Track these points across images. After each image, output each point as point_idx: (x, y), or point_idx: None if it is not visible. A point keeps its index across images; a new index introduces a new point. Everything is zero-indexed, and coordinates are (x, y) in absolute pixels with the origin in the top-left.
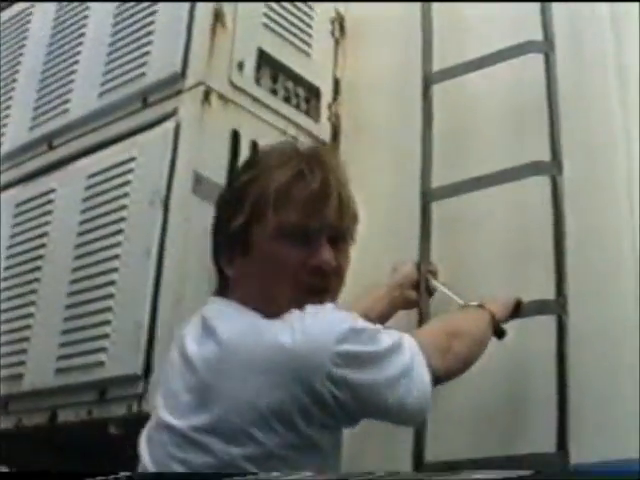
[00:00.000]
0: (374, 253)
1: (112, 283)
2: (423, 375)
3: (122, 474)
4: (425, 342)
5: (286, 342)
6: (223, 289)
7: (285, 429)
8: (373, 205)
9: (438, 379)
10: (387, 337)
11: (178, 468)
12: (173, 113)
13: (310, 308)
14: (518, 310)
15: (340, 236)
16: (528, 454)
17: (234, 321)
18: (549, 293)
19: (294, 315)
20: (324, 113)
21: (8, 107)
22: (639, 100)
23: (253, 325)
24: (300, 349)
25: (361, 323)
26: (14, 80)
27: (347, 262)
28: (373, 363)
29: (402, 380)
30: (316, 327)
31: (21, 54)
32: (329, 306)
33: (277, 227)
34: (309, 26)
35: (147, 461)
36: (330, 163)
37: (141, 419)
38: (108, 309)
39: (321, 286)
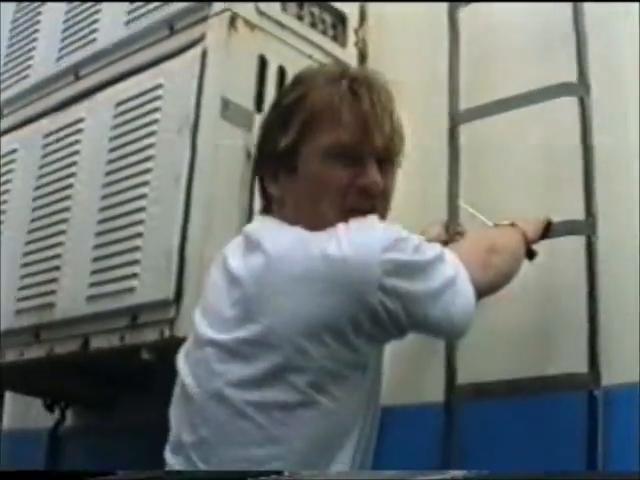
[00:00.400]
0: (403, 177)
1: (142, 209)
2: (467, 287)
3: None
4: (466, 257)
5: (334, 252)
6: (267, 209)
7: (334, 340)
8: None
9: (480, 292)
10: (431, 248)
11: (218, 382)
12: (200, 39)
13: (354, 221)
14: (548, 230)
15: (388, 159)
16: (559, 374)
17: (280, 234)
18: (579, 214)
19: (339, 227)
20: (351, 39)
21: (35, 39)
22: None
23: (299, 236)
24: (349, 259)
25: (405, 232)
26: (39, 13)
27: (394, 185)
28: (420, 272)
29: (447, 290)
30: (362, 236)
31: None
32: (372, 218)
33: (327, 146)
34: None
35: (188, 379)
36: (379, 84)
37: (173, 344)
38: (138, 235)
39: (367, 207)
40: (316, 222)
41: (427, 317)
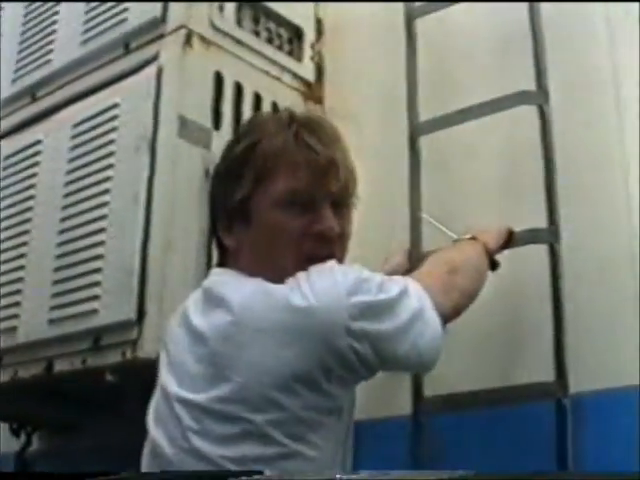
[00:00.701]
0: (364, 192)
1: (102, 230)
2: (433, 317)
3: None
4: (428, 283)
5: (298, 302)
6: (223, 261)
7: (308, 390)
8: (361, 143)
9: (447, 317)
10: (394, 284)
11: (197, 441)
12: (155, 57)
13: (313, 268)
14: (511, 240)
15: (343, 202)
16: (527, 384)
17: (241, 287)
18: (541, 222)
19: (299, 276)
20: (307, 53)
21: None
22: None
23: (262, 288)
24: (314, 307)
25: (366, 272)
26: None
27: (350, 228)
28: (387, 311)
29: (415, 324)
30: (324, 283)
31: (1, 6)
32: (331, 262)
33: (280, 194)
34: None
35: (161, 441)
36: (328, 128)
37: (136, 365)
38: (99, 257)
39: (325, 253)
40: (274, 272)
41: (396, 354)
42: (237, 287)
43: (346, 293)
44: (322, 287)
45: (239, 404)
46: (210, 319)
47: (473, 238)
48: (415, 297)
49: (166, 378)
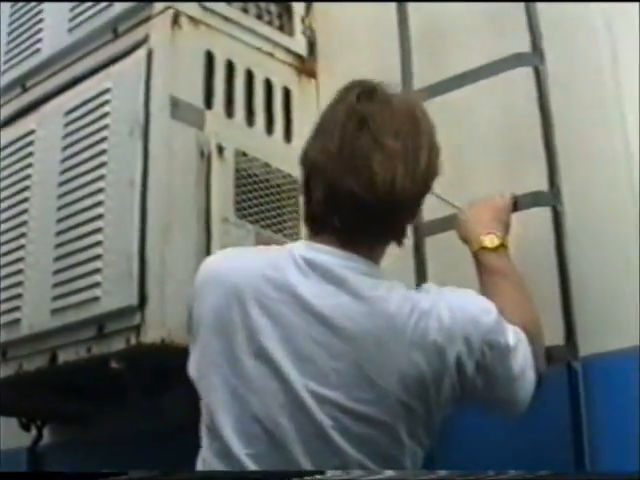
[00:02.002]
0: None
1: (99, 217)
2: (532, 377)
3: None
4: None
5: (445, 319)
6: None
7: (435, 403)
8: None
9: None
10: (511, 332)
11: (338, 439)
12: (144, 40)
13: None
14: (515, 206)
15: None
16: None
17: (382, 287)
18: (542, 186)
19: (434, 288)
20: (298, 27)
21: None
22: None
23: (409, 299)
24: (456, 329)
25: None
26: None
27: None
28: (506, 358)
29: (518, 381)
30: (467, 309)
31: None
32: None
33: None
34: None
35: (284, 435)
36: None
37: (141, 351)
38: (98, 243)
39: None
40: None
41: (496, 399)
42: (376, 283)
43: (487, 328)
44: (465, 310)
45: (379, 407)
46: (345, 310)
47: (497, 247)
48: (522, 353)
49: (284, 367)
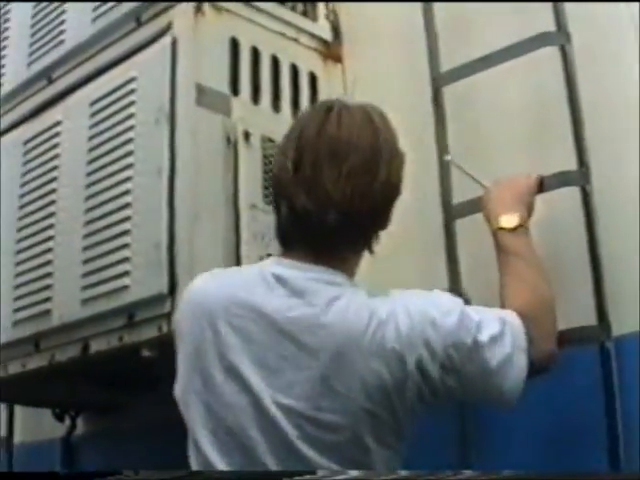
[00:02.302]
0: None
1: (127, 206)
2: (521, 364)
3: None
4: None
5: (402, 326)
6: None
7: (401, 409)
8: (384, 98)
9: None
10: (491, 322)
11: (304, 448)
12: (168, 28)
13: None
14: (541, 187)
15: None
16: (569, 329)
17: (344, 296)
18: (571, 165)
19: (396, 293)
20: (322, 12)
21: (4, 47)
22: None
23: (367, 307)
24: (415, 335)
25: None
26: (7, 20)
27: None
28: (477, 354)
29: (500, 372)
30: (427, 312)
31: None
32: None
33: None
34: None
35: (255, 446)
36: None
37: (172, 338)
38: (126, 232)
39: None
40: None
41: (478, 393)
42: (342, 294)
43: (453, 327)
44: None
45: (342, 415)
46: (309, 325)
47: (516, 228)
48: (509, 340)
49: (252, 381)
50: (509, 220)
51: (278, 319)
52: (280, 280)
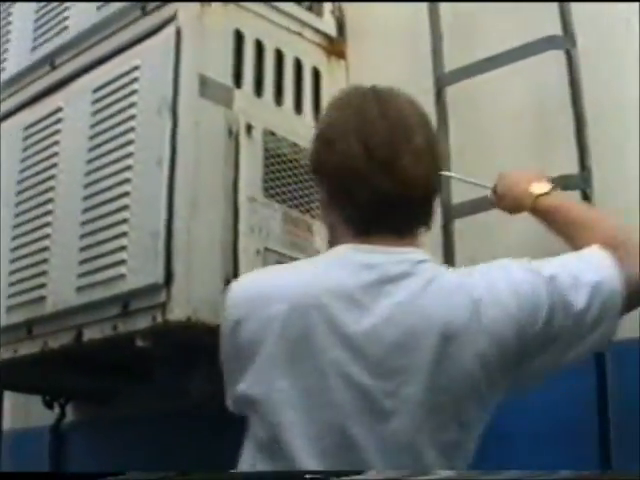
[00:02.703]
0: None
1: (126, 194)
2: (616, 302)
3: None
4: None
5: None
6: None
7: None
8: None
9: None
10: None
11: (418, 438)
12: (173, 18)
13: None
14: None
15: None
16: None
17: (442, 277)
18: (572, 168)
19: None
20: (327, 7)
21: (8, 32)
22: None
23: (465, 285)
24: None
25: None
26: (12, 4)
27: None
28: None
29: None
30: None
31: None
32: None
33: None
34: None
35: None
36: None
37: (167, 329)
38: (124, 221)
39: None
40: None
41: None
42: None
43: None
44: None
45: (450, 396)
46: (412, 308)
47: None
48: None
49: (355, 373)
50: (541, 187)
51: (377, 307)
52: (369, 267)
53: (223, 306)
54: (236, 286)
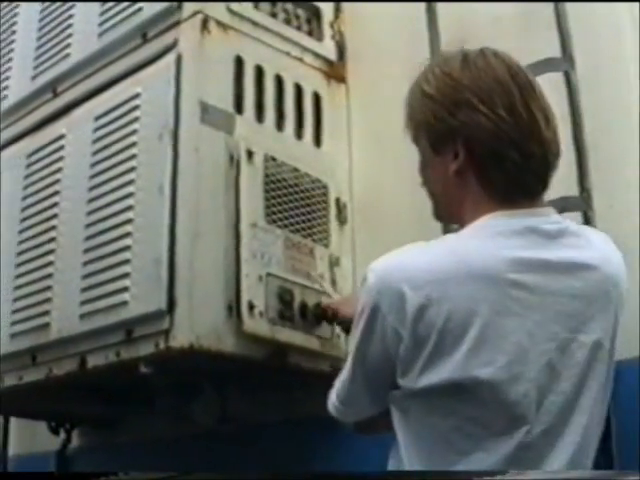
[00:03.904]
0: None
1: (128, 221)
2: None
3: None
4: None
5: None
6: None
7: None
8: (387, 119)
9: None
10: None
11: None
12: (174, 45)
13: None
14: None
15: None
16: None
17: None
18: (572, 191)
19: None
20: (327, 32)
21: (10, 60)
22: None
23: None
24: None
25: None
26: (13, 32)
27: (421, 170)
28: None
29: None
30: None
31: (17, 5)
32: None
33: None
34: None
35: None
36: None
37: (170, 355)
38: (127, 248)
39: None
40: None
41: None
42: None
43: None
44: None
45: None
46: (584, 260)
47: None
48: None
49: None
50: None
51: (556, 263)
52: (532, 230)
53: (372, 294)
54: (400, 269)
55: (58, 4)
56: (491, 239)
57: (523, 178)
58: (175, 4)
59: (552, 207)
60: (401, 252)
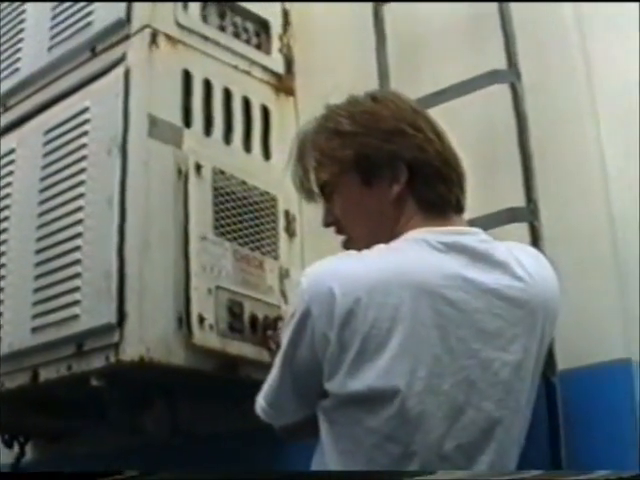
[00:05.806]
0: None
1: (78, 235)
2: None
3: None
4: None
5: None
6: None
7: None
8: None
9: None
10: None
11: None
12: (122, 59)
13: None
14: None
15: (323, 193)
16: None
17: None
18: (519, 201)
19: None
20: (275, 45)
21: None
22: None
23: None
24: None
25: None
26: None
27: (344, 207)
28: None
29: None
30: None
31: None
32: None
33: None
34: None
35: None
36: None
37: (121, 368)
38: (77, 262)
39: (344, 243)
40: None
41: None
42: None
43: None
44: None
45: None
46: (509, 284)
47: None
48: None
49: (482, 350)
50: None
51: (483, 282)
52: (464, 248)
53: (304, 298)
54: (332, 274)
55: (7, 19)
56: (429, 253)
57: (455, 195)
58: (124, 17)
59: (497, 218)
60: (335, 258)
